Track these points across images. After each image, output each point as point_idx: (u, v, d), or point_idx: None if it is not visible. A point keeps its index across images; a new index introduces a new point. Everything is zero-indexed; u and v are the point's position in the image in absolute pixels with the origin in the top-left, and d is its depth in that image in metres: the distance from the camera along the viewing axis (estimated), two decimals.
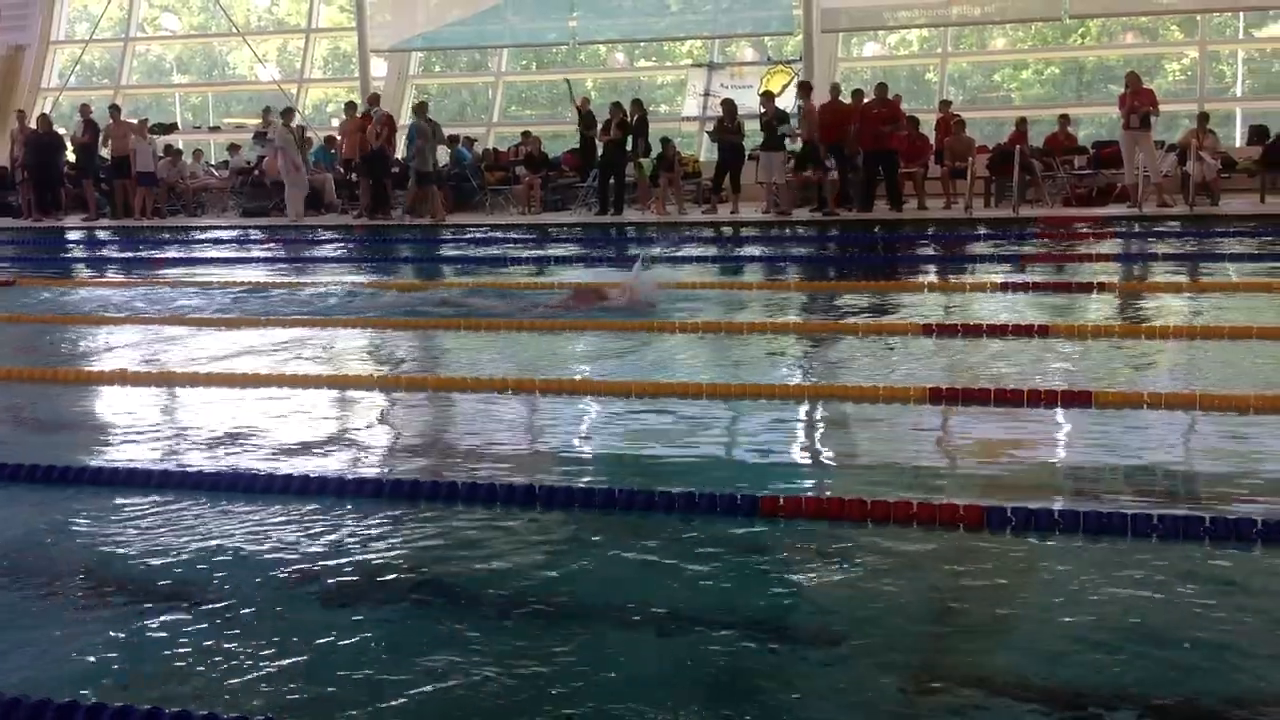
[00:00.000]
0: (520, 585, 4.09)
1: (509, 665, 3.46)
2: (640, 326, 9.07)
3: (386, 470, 5.59)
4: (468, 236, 17.89)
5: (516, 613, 3.86)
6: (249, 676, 3.43)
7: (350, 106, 21.51)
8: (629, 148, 19.50)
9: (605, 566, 4.31)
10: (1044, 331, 8.24)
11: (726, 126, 18.84)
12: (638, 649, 3.61)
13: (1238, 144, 19.93)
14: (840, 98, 18.76)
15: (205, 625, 3.78)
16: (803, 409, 6.68)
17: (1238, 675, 3.34)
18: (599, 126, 19.74)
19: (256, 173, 22.79)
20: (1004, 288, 10.56)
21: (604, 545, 4.51)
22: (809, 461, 5.74)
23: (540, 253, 15.28)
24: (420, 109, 20.13)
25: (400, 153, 21.13)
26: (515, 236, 17.60)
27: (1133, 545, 4.31)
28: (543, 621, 3.80)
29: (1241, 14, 22.03)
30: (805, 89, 19.02)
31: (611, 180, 19.56)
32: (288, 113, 21.01)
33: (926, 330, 8.46)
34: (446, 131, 21.09)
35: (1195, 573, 4.06)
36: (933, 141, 19.17)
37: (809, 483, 5.26)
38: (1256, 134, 19.52)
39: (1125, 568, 4.13)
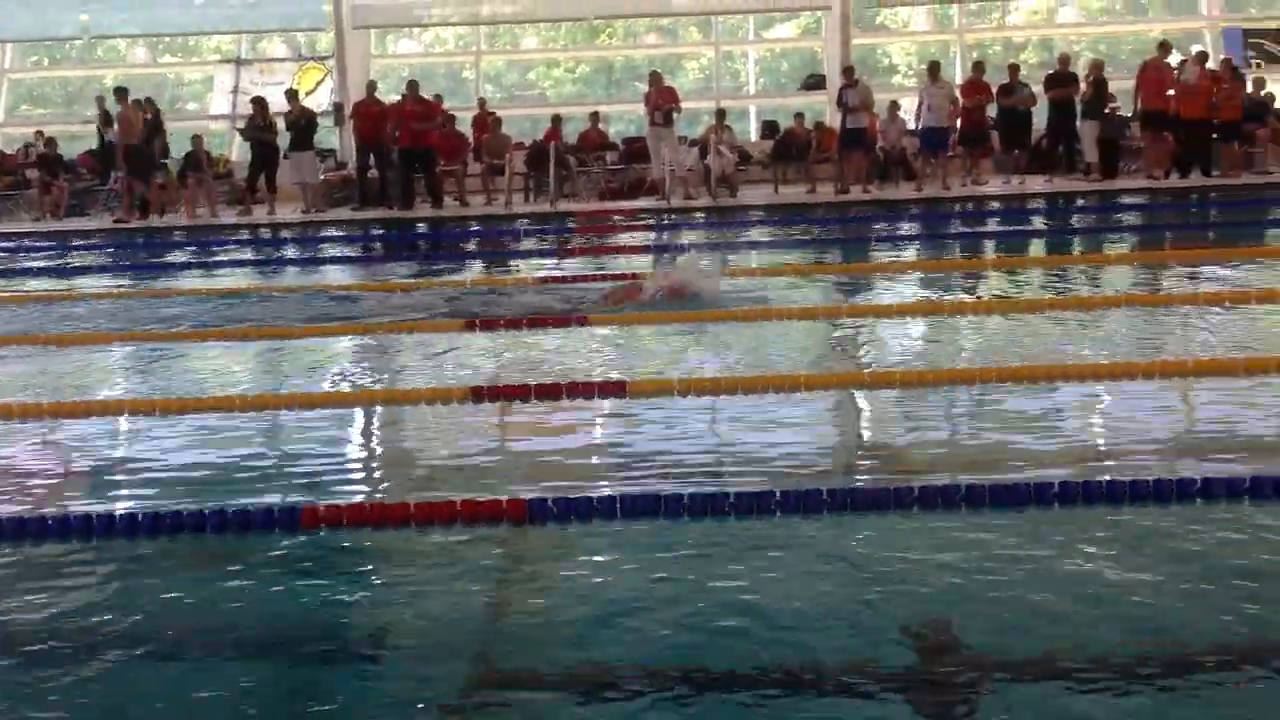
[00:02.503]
0: (61, 621, 3.77)
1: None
2: (175, 336, 8.60)
3: None
4: None
5: (50, 651, 3.56)
6: None
7: None
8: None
9: (144, 594, 4.04)
10: (583, 322, 8.47)
11: (258, 125, 18.22)
12: (184, 676, 3.42)
13: (752, 138, 21.34)
14: (377, 94, 18.60)
15: None
16: (346, 415, 6.52)
17: (777, 634, 3.55)
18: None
19: None
20: (545, 281, 10.79)
21: (139, 572, 4.23)
22: (352, 469, 5.59)
23: (61, 262, 14.20)
24: None
25: None
26: (29, 245, 16.26)
27: (667, 524, 4.48)
28: (82, 657, 3.54)
29: (751, 17, 23.59)
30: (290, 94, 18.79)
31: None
32: None
33: (470, 326, 8.49)
34: None
35: (724, 544, 4.28)
36: (470, 139, 19.32)
37: (353, 490, 5.14)
38: (768, 129, 20.99)
39: (664, 545, 4.29)
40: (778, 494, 4.59)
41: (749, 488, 4.74)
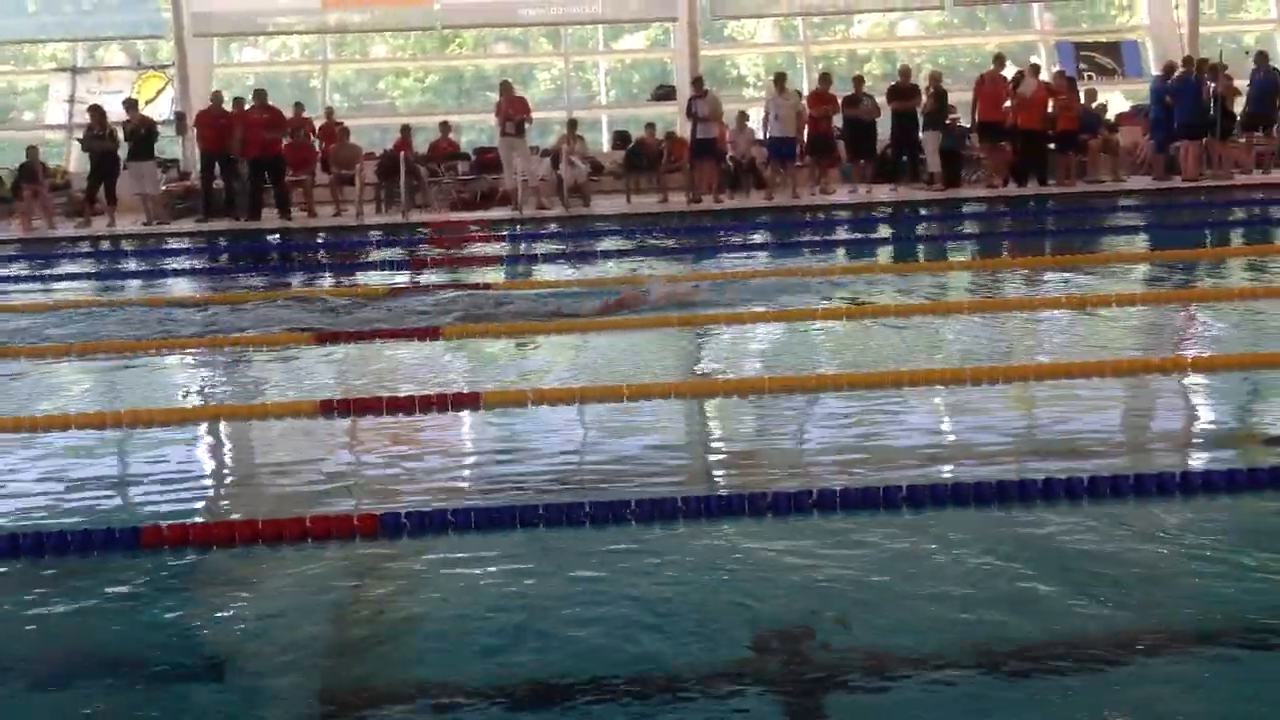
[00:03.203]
0: None
1: None
2: (12, 352, 8.28)
3: None
4: None
5: None
6: None
7: None
8: None
9: None
10: (434, 335, 8.38)
11: (96, 134, 17.67)
12: (23, 702, 3.32)
13: (605, 148, 21.40)
14: (224, 105, 18.16)
15: None
16: (192, 431, 6.35)
17: (637, 643, 3.56)
18: None
19: None
20: (397, 293, 10.64)
21: None
22: (198, 487, 5.43)
23: None
24: None
25: None
26: None
27: (523, 535, 4.47)
28: None
29: (600, 27, 23.65)
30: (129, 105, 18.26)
31: None
32: None
33: (320, 339, 8.34)
34: None
35: (581, 553, 4.28)
36: (318, 149, 19.00)
37: (197, 509, 5.00)
38: (620, 139, 21.06)
39: (520, 557, 4.27)
40: (633, 503, 4.60)
41: (605, 497, 4.74)
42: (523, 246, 14.74)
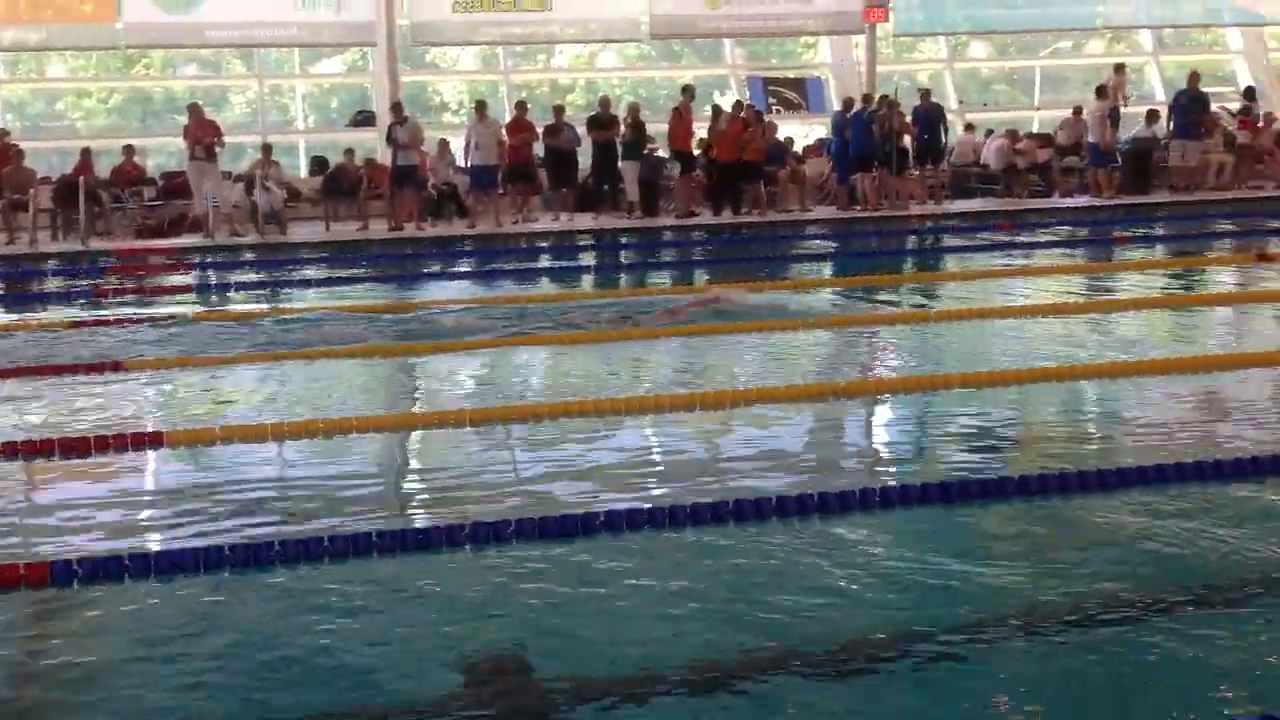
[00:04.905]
0: None
1: None
2: None
3: None
4: None
5: None
6: None
7: None
8: None
9: None
10: (116, 368, 7.96)
11: None
12: None
13: (302, 174, 20.89)
14: None
15: None
16: None
17: (337, 679, 3.51)
18: None
19: None
20: (77, 325, 10.05)
21: None
22: None
23: None
24: None
25: None
26: None
27: (207, 577, 4.27)
28: None
29: (297, 50, 23.10)
30: None
31: None
32: None
33: None
34: None
35: (272, 594, 4.13)
36: None
37: None
38: (318, 165, 20.61)
39: (200, 603, 4.09)
40: (326, 540, 4.48)
41: (295, 535, 4.59)
42: (214, 275, 14.20)
